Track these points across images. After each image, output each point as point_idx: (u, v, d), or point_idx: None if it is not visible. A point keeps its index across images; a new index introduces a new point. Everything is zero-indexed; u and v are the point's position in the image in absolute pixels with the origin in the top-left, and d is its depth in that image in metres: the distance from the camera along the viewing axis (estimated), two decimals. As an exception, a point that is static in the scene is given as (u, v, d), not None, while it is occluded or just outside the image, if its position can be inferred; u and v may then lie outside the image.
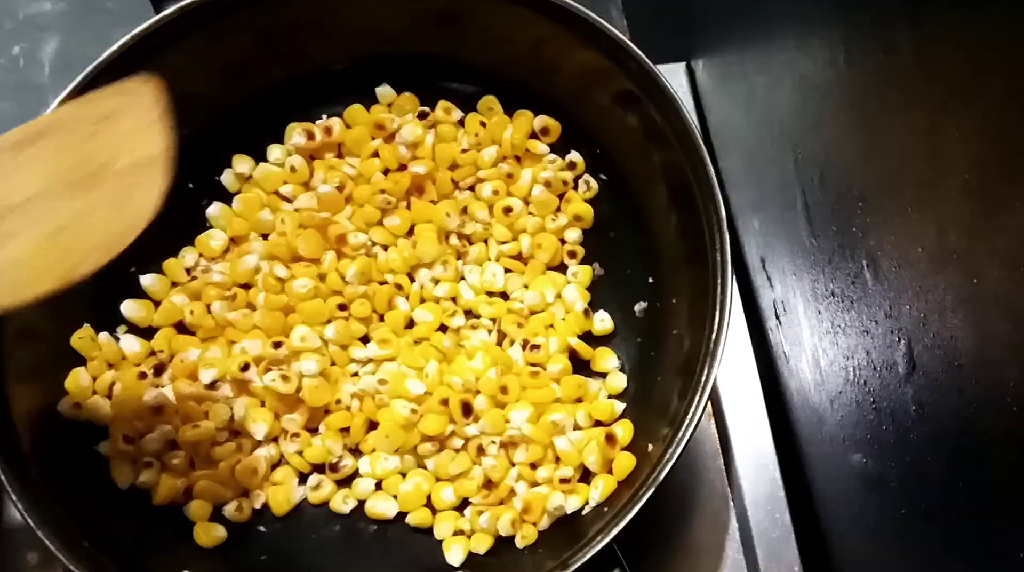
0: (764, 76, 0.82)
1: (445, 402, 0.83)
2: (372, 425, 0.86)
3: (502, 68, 0.92)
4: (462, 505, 0.85)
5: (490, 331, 0.88)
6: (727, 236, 0.79)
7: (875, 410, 0.70)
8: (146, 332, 0.88)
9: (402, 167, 0.92)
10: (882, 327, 0.67)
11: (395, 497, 0.85)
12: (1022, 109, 0.47)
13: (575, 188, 0.92)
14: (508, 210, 0.90)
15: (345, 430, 0.86)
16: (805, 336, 0.82)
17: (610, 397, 0.87)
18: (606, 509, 0.79)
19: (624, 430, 0.83)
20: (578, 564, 0.74)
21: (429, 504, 0.85)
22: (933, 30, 0.55)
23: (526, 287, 0.90)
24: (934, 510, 0.65)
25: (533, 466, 0.84)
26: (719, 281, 0.79)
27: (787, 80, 0.76)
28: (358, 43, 0.93)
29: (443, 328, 0.89)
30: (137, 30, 0.82)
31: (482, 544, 0.82)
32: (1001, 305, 0.52)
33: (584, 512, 0.81)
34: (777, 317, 0.90)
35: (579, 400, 0.86)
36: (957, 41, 0.52)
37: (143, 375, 0.85)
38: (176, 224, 0.87)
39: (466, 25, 0.90)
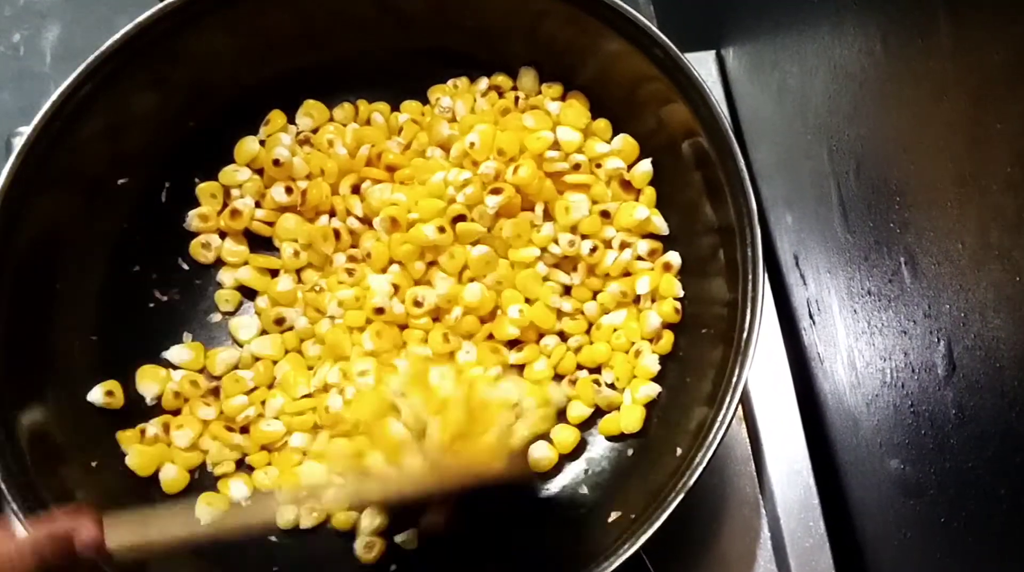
0: (797, 65, 0.83)
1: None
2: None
3: (524, 57, 0.93)
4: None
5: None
6: (758, 230, 0.79)
7: (913, 414, 0.71)
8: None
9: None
10: (920, 327, 0.67)
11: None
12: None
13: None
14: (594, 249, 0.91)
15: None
16: (840, 336, 0.83)
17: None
18: (634, 516, 0.79)
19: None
20: (606, 572, 0.75)
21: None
22: (972, 16, 0.55)
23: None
24: (977, 518, 0.66)
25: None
26: (750, 278, 0.79)
27: (821, 69, 0.76)
28: (372, 34, 0.94)
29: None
30: (141, 17, 0.83)
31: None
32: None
33: (611, 520, 0.82)
34: (811, 316, 0.90)
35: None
36: (998, 27, 0.52)
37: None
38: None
39: (486, 13, 0.91)
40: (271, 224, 0.93)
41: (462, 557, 0.86)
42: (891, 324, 0.72)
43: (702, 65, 1.05)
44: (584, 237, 0.90)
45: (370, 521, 0.85)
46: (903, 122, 0.66)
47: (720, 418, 0.77)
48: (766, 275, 0.80)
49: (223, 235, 0.93)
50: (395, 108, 0.96)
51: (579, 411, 0.89)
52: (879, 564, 0.85)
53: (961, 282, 0.61)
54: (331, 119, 0.96)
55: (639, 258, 0.90)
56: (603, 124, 0.92)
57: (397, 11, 0.91)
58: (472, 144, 0.89)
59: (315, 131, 0.95)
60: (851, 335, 0.80)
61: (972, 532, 0.67)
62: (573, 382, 0.90)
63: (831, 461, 0.90)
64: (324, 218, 0.93)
